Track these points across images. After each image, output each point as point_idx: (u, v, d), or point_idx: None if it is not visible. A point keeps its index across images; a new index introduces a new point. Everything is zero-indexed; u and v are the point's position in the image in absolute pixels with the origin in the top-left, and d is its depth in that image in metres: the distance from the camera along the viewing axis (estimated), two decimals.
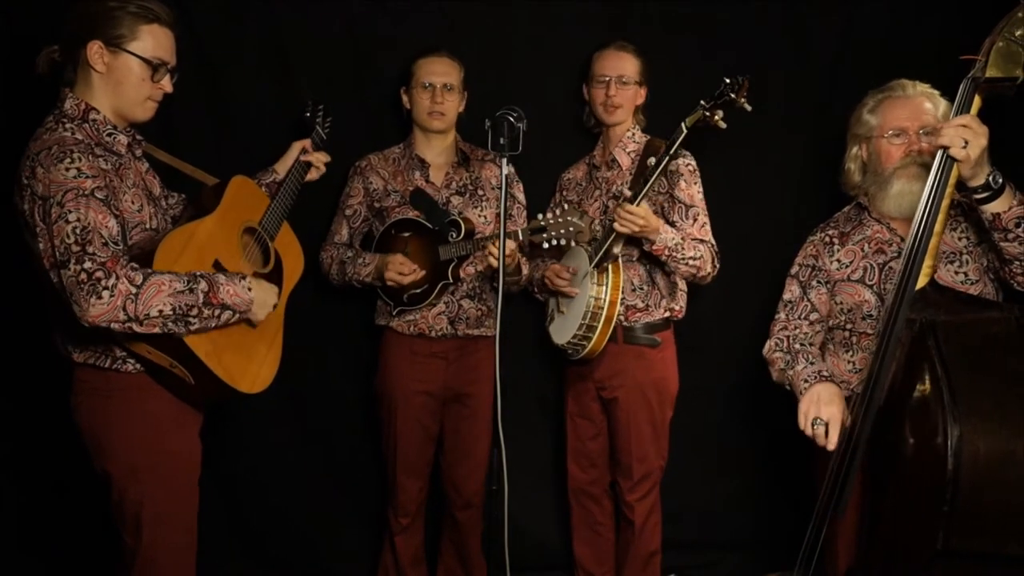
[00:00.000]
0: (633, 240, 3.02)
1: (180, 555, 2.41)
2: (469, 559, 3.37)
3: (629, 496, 3.19)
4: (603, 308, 2.97)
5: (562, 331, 3.12)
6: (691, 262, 2.99)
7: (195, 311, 2.19)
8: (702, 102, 2.72)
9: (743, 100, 2.65)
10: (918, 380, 2.07)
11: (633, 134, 3.19)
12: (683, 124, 2.77)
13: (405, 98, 3.25)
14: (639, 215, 2.83)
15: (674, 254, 2.96)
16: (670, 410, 3.22)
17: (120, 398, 2.31)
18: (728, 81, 2.67)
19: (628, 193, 2.89)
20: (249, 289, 2.33)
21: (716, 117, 2.69)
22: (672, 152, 2.80)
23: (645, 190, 2.82)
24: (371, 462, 3.54)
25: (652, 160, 2.86)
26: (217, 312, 2.24)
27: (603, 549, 3.34)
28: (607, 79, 3.11)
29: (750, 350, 2.94)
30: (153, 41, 2.30)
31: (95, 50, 2.25)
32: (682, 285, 3.20)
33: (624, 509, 3.23)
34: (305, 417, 3.56)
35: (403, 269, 3.06)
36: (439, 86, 3.15)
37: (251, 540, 3.54)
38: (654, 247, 2.94)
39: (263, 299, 2.39)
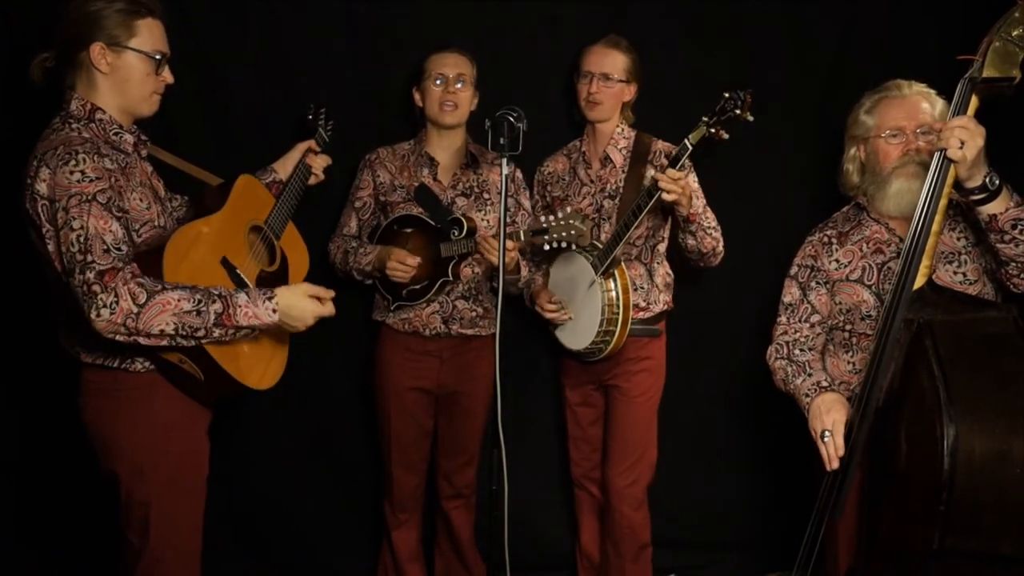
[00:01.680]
0: (630, 239, 3.04)
1: (186, 554, 2.42)
2: (463, 553, 3.40)
3: (622, 481, 3.21)
4: (619, 312, 3.02)
5: (576, 337, 3.14)
6: (713, 232, 3.07)
7: (201, 332, 2.17)
8: (704, 119, 2.72)
9: (747, 114, 2.66)
10: (915, 380, 2.08)
11: (623, 130, 3.21)
12: (687, 141, 2.77)
13: (417, 96, 3.25)
14: (682, 178, 2.82)
15: (702, 222, 3.02)
16: (660, 395, 3.27)
17: (128, 398, 2.31)
18: (728, 96, 2.66)
19: (665, 161, 2.88)
20: (274, 311, 2.26)
21: (720, 131, 2.71)
22: (679, 166, 2.81)
23: (683, 160, 2.80)
24: (371, 459, 3.55)
25: (651, 177, 2.85)
26: (230, 332, 2.22)
27: None
28: (591, 75, 3.13)
29: (751, 350, 2.95)
30: (150, 35, 2.30)
31: (98, 52, 2.25)
32: (672, 277, 3.27)
33: (614, 499, 3.23)
34: (304, 413, 3.57)
35: (407, 260, 3.05)
36: (451, 77, 3.15)
37: (249, 537, 3.55)
38: (690, 212, 2.95)
39: (297, 312, 2.32)
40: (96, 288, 2.08)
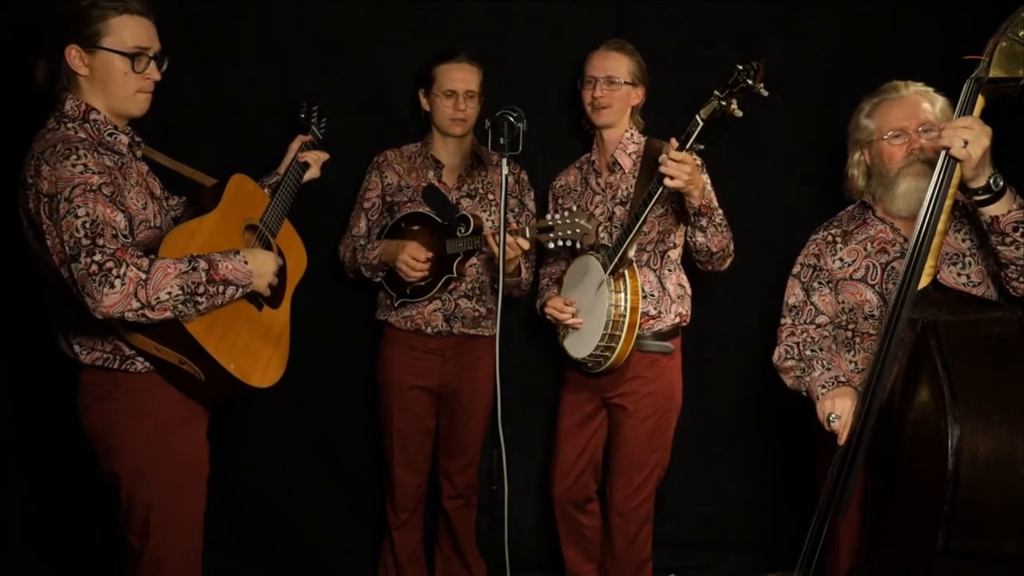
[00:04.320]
0: (643, 242, 3.02)
1: (187, 555, 2.42)
2: (464, 554, 3.40)
3: (625, 505, 3.12)
4: (625, 315, 2.88)
5: (580, 344, 3.02)
6: (724, 231, 2.92)
7: (201, 288, 2.18)
8: (716, 92, 2.61)
9: (760, 85, 2.55)
10: (919, 380, 2.08)
11: (632, 135, 3.12)
12: (698, 116, 2.64)
13: (424, 101, 3.25)
14: (688, 162, 2.67)
15: (714, 216, 2.87)
16: (675, 418, 3.16)
17: (128, 400, 2.31)
18: (741, 68, 2.56)
19: (675, 143, 2.72)
20: (246, 262, 2.32)
21: (732, 106, 2.59)
22: (689, 145, 2.68)
23: (689, 143, 2.67)
24: (372, 459, 3.55)
25: (665, 156, 2.73)
26: (221, 288, 2.24)
27: (590, 549, 3.31)
28: (595, 80, 3.05)
29: (753, 351, 2.95)
30: (127, 32, 2.27)
31: (74, 54, 2.24)
32: (688, 289, 3.16)
33: (616, 518, 3.15)
34: (306, 413, 3.56)
35: (417, 255, 3.05)
36: (461, 93, 3.16)
37: (250, 537, 3.54)
38: (702, 203, 2.80)
39: (260, 269, 2.37)
40: (110, 264, 2.06)
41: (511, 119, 2.52)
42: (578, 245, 2.85)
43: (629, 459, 3.10)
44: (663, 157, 2.71)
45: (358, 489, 3.62)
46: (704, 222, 2.86)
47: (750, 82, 2.53)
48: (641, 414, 3.07)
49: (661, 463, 3.15)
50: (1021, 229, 2.21)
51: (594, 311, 2.96)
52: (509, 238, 2.85)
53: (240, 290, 2.30)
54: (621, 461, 3.12)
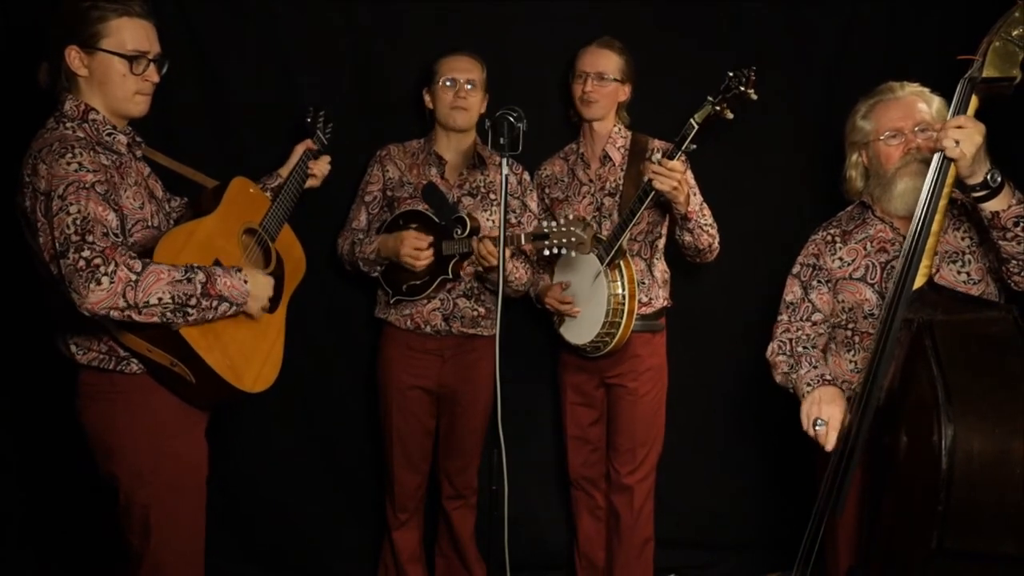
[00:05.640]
0: (634, 233, 3.07)
1: (188, 556, 2.42)
2: (464, 554, 3.40)
3: (629, 479, 3.23)
4: (624, 303, 3.03)
5: (580, 331, 3.15)
6: (709, 229, 3.09)
7: (193, 301, 2.18)
8: (709, 98, 2.76)
9: (751, 91, 2.69)
10: (914, 379, 2.07)
11: (620, 129, 3.24)
12: (692, 120, 2.79)
13: (427, 98, 3.27)
14: (678, 170, 2.84)
15: (699, 219, 3.04)
16: (665, 393, 3.28)
17: (125, 401, 2.31)
18: (732, 75, 2.71)
19: (659, 144, 2.93)
20: (245, 281, 2.32)
21: (725, 110, 2.74)
22: (684, 147, 2.82)
23: (681, 150, 2.83)
24: (372, 459, 3.55)
25: (658, 155, 2.88)
26: (215, 304, 2.24)
27: (602, 532, 3.39)
28: (585, 75, 3.16)
29: (752, 350, 2.94)
30: (126, 34, 2.28)
31: (73, 55, 2.26)
32: (669, 275, 3.29)
33: (620, 495, 3.26)
34: (306, 413, 3.56)
35: (419, 244, 3.06)
36: (462, 81, 3.18)
37: (250, 537, 3.54)
38: (688, 208, 2.97)
39: (258, 292, 2.38)
40: (98, 261, 2.06)
41: (511, 119, 2.55)
42: (572, 253, 2.88)
43: (632, 435, 3.23)
44: (649, 164, 2.89)
45: (358, 489, 3.62)
46: (691, 225, 3.02)
47: (742, 88, 2.69)
48: (641, 390, 3.20)
49: (659, 438, 3.28)
50: (1021, 224, 2.20)
51: (593, 300, 3.09)
52: (489, 246, 2.94)
53: (233, 308, 2.30)
54: (625, 438, 3.24)
